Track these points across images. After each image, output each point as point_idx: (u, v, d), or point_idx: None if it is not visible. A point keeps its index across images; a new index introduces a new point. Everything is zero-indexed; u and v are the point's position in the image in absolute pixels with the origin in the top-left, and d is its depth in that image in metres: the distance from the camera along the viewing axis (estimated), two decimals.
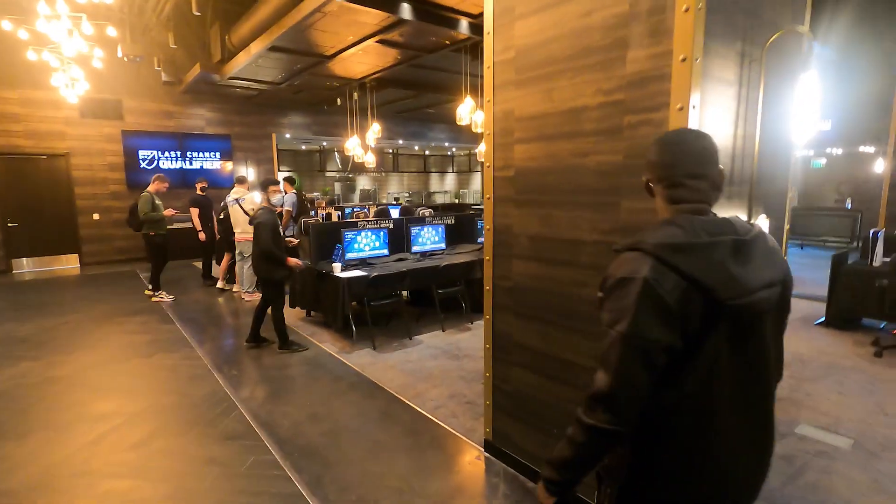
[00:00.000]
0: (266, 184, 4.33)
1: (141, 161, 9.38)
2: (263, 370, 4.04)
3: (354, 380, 3.80)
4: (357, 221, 4.92)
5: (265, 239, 4.11)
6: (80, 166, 8.87)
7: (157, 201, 6.28)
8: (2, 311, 5.86)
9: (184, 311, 5.87)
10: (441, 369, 3.96)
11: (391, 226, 5.11)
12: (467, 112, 6.32)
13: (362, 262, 4.86)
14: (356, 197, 16.48)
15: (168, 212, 6.38)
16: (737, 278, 0.95)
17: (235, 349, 4.51)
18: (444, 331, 4.92)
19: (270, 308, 4.36)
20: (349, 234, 4.71)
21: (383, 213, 7.62)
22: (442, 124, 13.98)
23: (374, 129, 8.45)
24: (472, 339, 4.68)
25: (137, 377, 3.92)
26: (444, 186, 18.92)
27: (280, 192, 4.42)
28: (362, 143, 8.73)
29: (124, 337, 4.90)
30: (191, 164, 9.96)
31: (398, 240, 5.34)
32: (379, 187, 17.27)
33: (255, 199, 6.38)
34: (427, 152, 17.72)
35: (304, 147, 15.27)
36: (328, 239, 4.93)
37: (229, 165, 10.43)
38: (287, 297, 5.03)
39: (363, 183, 17.05)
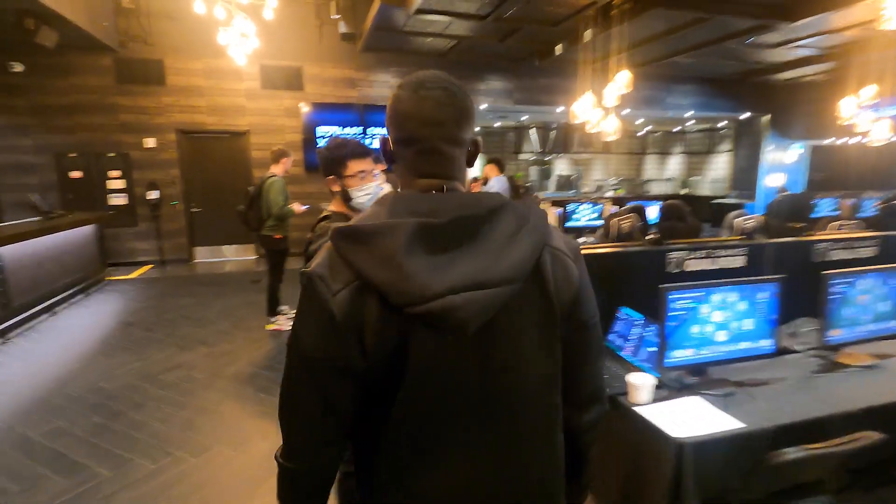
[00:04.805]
0: (336, 160, 1.73)
1: (318, 138, 7.95)
2: None
3: None
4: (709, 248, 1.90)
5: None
6: (258, 145, 7.77)
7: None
8: (130, 332, 4.56)
9: None
10: None
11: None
12: None
13: (697, 369, 1.85)
14: (551, 184, 13.54)
15: (297, 207, 4.35)
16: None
17: None
18: None
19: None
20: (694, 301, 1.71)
21: (640, 214, 4.46)
22: (689, 84, 9.94)
23: (623, 80, 5.30)
24: None
25: None
26: (665, 172, 14.62)
27: (373, 175, 1.77)
28: (601, 105, 5.66)
29: (205, 436, 2.87)
30: (371, 141, 8.24)
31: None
32: (583, 172, 14.00)
33: None
34: (650, 127, 13.68)
35: (497, 124, 12.84)
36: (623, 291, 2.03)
37: None
38: None
39: (560, 167, 13.98)
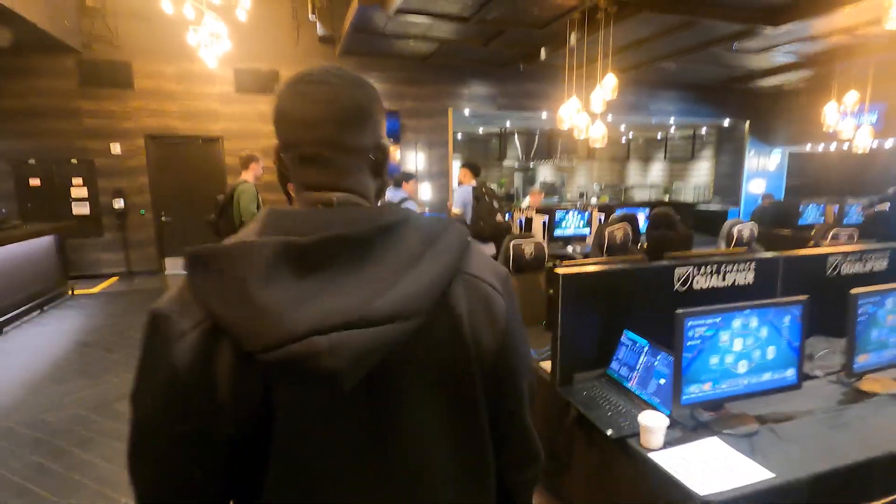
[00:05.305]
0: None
1: None
2: None
3: None
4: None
5: None
6: (232, 151, 7.44)
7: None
8: (86, 353, 4.21)
9: None
10: None
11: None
12: None
13: (714, 404, 1.61)
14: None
15: None
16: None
17: None
18: None
19: None
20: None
21: (631, 223, 4.29)
22: (672, 91, 9.92)
23: (609, 85, 5.16)
24: None
25: None
26: (648, 179, 14.68)
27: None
28: (586, 110, 5.51)
29: None
30: None
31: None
32: (566, 179, 13.94)
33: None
34: (632, 134, 13.70)
35: (481, 130, 12.70)
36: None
37: (398, 153, 8.24)
38: None
39: (544, 174, 13.91)
